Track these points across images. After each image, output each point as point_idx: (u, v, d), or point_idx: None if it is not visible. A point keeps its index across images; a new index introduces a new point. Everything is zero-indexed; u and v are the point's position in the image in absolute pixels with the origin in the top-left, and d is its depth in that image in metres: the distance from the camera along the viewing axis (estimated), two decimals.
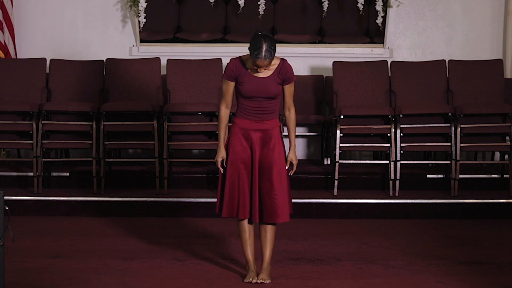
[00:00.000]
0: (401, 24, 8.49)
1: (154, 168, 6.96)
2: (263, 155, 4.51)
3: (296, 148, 6.63)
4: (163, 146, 6.94)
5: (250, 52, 4.38)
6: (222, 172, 4.57)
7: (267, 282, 4.52)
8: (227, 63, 4.55)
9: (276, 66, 4.49)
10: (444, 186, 7.13)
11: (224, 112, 4.60)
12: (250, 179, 4.52)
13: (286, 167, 4.57)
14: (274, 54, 4.38)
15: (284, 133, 4.62)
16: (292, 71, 4.54)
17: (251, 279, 4.53)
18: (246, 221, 4.59)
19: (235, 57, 4.55)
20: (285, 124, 4.64)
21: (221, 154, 4.56)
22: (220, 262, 5.02)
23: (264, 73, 4.47)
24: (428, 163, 7.64)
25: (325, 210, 6.67)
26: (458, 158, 6.86)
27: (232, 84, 4.52)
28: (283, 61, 4.52)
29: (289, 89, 4.55)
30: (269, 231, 4.60)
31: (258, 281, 4.51)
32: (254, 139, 4.52)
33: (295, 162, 4.61)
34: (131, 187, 7.16)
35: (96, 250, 5.36)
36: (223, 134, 4.59)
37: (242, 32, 8.64)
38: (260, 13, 8.45)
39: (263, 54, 4.33)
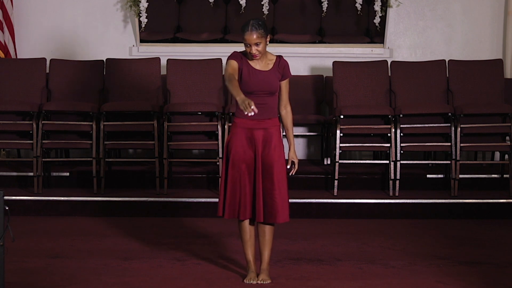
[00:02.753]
0: (401, 24, 8.49)
1: (154, 168, 6.96)
2: (264, 155, 4.50)
3: (296, 148, 6.65)
4: (163, 146, 6.94)
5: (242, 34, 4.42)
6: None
7: (267, 282, 4.52)
8: (230, 54, 4.54)
9: (274, 61, 4.53)
10: (444, 186, 7.13)
11: (233, 75, 4.40)
12: (252, 179, 4.51)
13: (288, 167, 4.58)
14: (262, 31, 4.40)
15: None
16: (289, 67, 4.58)
17: (251, 280, 4.53)
18: (247, 221, 4.58)
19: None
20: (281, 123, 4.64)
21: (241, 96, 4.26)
22: (220, 262, 5.01)
23: (264, 66, 4.49)
24: (428, 163, 7.64)
25: (325, 210, 6.66)
26: (458, 158, 6.86)
27: (237, 65, 4.46)
28: (279, 57, 4.58)
29: (285, 86, 4.59)
30: (267, 232, 4.59)
31: (259, 282, 4.52)
32: (257, 138, 4.50)
33: (296, 161, 4.61)
34: (131, 187, 7.16)
35: (96, 250, 5.35)
36: (238, 85, 4.33)
37: None
38: (264, 13, 8.46)
39: (250, 27, 4.38)
